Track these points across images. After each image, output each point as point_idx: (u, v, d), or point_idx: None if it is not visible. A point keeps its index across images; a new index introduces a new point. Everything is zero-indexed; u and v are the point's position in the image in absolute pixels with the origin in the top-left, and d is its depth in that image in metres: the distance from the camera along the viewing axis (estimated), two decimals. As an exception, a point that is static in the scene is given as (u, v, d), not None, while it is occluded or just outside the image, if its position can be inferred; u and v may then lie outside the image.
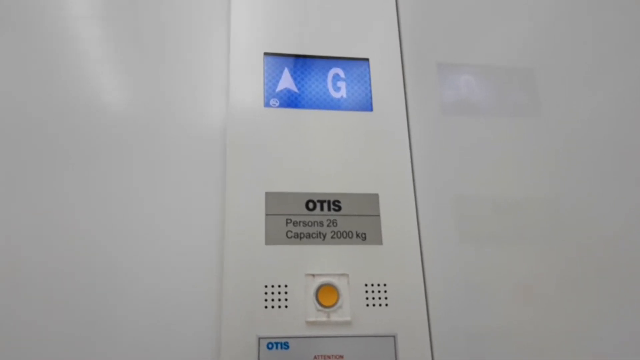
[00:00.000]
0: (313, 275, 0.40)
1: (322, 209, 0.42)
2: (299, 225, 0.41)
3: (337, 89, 0.46)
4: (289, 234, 0.41)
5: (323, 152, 0.44)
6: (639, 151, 0.49)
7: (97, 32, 0.46)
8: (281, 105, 0.44)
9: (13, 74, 0.43)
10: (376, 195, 0.43)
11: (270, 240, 0.40)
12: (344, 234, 0.41)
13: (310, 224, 0.41)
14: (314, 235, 0.41)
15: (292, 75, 0.46)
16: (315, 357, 0.37)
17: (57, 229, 0.39)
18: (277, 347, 0.37)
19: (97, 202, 0.40)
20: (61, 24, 0.45)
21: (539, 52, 0.52)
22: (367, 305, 0.39)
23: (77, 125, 0.43)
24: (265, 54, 0.46)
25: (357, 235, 0.41)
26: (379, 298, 0.40)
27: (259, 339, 0.37)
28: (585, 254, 0.44)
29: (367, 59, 0.47)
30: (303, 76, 0.46)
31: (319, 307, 0.39)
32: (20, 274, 0.38)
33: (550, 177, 0.47)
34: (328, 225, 0.41)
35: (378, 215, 0.42)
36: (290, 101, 0.45)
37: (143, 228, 0.40)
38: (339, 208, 0.42)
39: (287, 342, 0.37)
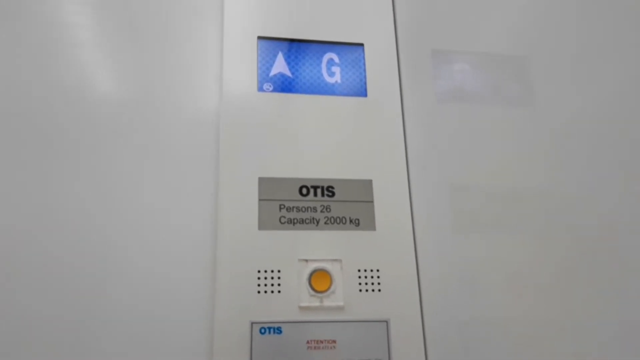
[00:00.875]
0: (306, 260, 0.39)
1: (315, 194, 0.41)
2: (292, 210, 0.41)
3: (332, 74, 0.45)
4: (282, 220, 0.40)
5: (317, 137, 0.43)
6: (634, 141, 0.49)
7: (89, 17, 0.45)
8: (275, 90, 0.44)
9: (6, 61, 0.42)
10: (370, 182, 0.42)
11: (263, 225, 0.40)
12: (338, 219, 0.41)
13: (303, 209, 0.41)
14: (307, 221, 0.41)
15: (286, 60, 0.45)
16: (308, 342, 0.37)
17: (50, 214, 0.39)
18: (270, 332, 0.37)
19: (90, 187, 0.40)
20: (53, 9, 0.44)
21: (534, 40, 0.51)
22: (360, 290, 0.39)
23: (70, 111, 0.42)
24: (259, 37, 0.45)
25: (351, 221, 0.41)
26: (372, 284, 0.40)
27: (252, 324, 0.37)
28: (579, 244, 0.44)
29: (362, 44, 0.47)
30: (297, 61, 0.45)
31: (312, 292, 0.39)
32: (16, 260, 0.37)
33: (544, 166, 0.47)
34: (321, 211, 0.41)
35: (372, 202, 0.42)
36: (284, 86, 0.44)
37: (136, 213, 0.40)
38: (333, 194, 0.42)
39: (280, 327, 0.37)
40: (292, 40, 0.46)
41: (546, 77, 0.50)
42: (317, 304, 0.38)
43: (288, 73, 0.45)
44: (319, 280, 0.39)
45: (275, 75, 0.45)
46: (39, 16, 0.44)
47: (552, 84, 0.50)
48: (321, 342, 0.37)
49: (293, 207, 0.41)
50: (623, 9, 0.54)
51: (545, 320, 0.42)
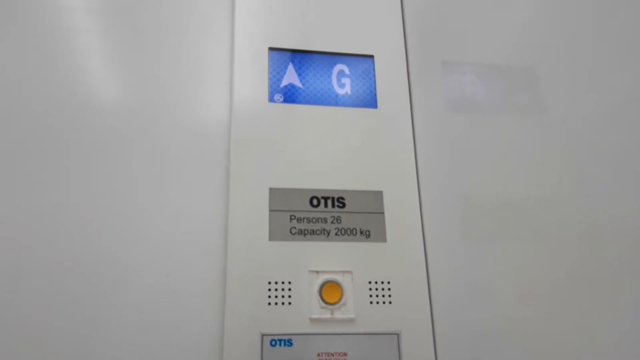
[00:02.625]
0: (317, 272, 0.39)
1: (326, 205, 0.41)
2: (303, 221, 0.41)
3: (342, 86, 0.46)
4: (293, 230, 0.40)
5: (327, 148, 0.43)
6: (641, 152, 0.49)
7: (96, 24, 0.45)
8: (285, 101, 0.44)
9: (10, 67, 0.42)
10: (380, 193, 0.42)
11: (274, 236, 0.40)
12: (348, 231, 0.41)
13: (314, 220, 0.41)
14: (317, 232, 0.40)
15: (296, 71, 0.45)
16: (318, 354, 0.37)
17: (57, 225, 0.39)
18: (280, 344, 0.37)
19: (99, 197, 0.40)
20: (59, 15, 0.45)
21: (543, 51, 0.52)
22: (371, 302, 0.39)
23: (76, 120, 0.42)
24: (270, 48, 0.46)
25: (361, 233, 0.41)
26: (383, 295, 0.39)
27: (262, 335, 0.37)
28: (588, 253, 0.44)
29: (372, 56, 0.47)
30: (308, 72, 0.45)
31: (323, 304, 0.38)
32: (19, 270, 0.37)
33: (554, 175, 0.47)
34: (332, 222, 0.41)
35: (382, 213, 0.42)
36: (295, 97, 0.44)
37: (144, 224, 0.40)
38: (343, 205, 0.42)
39: (291, 339, 0.37)
40: (302, 52, 0.46)
41: (555, 86, 0.50)
42: (328, 315, 0.38)
43: (299, 84, 0.45)
44: (329, 292, 0.39)
45: (286, 86, 0.45)
46: (44, 21, 0.44)
47: (561, 94, 0.50)
48: (332, 354, 0.37)
49: (304, 218, 0.41)
50: (631, 18, 0.55)
51: (557, 330, 0.42)
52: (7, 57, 0.43)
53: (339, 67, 0.46)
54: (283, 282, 0.39)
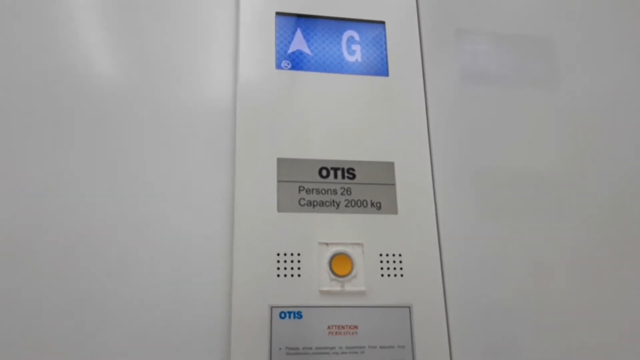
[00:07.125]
0: (327, 243, 0.38)
1: (335, 176, 0.40)
2: (312, 192, 0.39)
3: (352, 52, 0.44)
4: (302, 202, 0.39)
5: (337, 117, 0.42)
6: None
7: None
8: (293, 68, 0.42)
9: (5, 41, 0.40)
10: (392, 164, 0.41)
11: (282, 207, 0.39)
12: (359, 202, 0.40)
13: (323, 191, 0.40)
14: (327, 204, 0.39)
15: (305, 37, 0.43)
16: (329, 327, 0.36)
17: (55, 207, 0.37)
18: (290, 317, 0.36)
19: (98, 173, 0.38)
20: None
21: (559, 20, 0.50)
22: (382, 275, 0.38)
23: (74, 97, 0.40)
24: (277, 13, 0.44)
25: (372, 204, 0.40)
26: (394, 268, 0.38)
27: (272, 308, 0.36)
28: (603, 228, 0.43)
29: (383, 22, 0.45)
30: (316, 38, 0.44)
31: (333, 277, 0.37)
32: (16, 257, 0.36)
33: (571, 148, 0.45)
34: (342, 194, 0.40)
35: (394, 184, 0.41)
36: (303, 64, 0.43)
37: (149, 197, 0.38)
38: (353, 176, 0.40)
39: (301, 312, 0.36)
40: (311, 17, 0.44)
41: (572, 57, 0.49)
42: (338, 288, 0.37)
43: (307, 50, 0.43)
44: (339, 264, 0.38)
45: (293, 52, 0.43)
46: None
47: (577, 65, 0.48)
48: (342, 327, 0.36)
49: (313, 189, 0.39)
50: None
51: (569, 305, 0.41)
52: (3, 30, 0.40)
53: (349, 33, 0.44)
54: (292, 254, 0.38)
